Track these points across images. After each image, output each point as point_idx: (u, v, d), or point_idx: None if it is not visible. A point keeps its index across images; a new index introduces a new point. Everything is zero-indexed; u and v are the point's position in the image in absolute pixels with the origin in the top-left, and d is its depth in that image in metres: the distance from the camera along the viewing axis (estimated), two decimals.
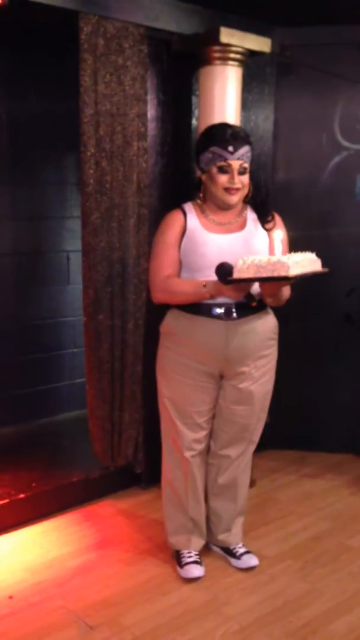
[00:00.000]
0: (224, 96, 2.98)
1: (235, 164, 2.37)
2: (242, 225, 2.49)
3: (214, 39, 2.86)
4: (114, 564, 2.74)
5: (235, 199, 2.42)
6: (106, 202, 2.94)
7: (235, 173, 2.38)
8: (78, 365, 3.96)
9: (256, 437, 2.70)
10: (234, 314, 2.43)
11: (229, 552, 2.77)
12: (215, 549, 2.82)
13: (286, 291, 2.46)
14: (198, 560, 2.69)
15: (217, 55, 2.93)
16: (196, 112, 3.13)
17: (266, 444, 3.74)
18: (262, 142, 3.47)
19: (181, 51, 3.05)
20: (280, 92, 3.51)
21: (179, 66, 3.10)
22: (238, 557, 2.73)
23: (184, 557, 2.69)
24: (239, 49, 2.94)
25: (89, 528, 3.02)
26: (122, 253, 3.02)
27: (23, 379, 3.98)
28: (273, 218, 2.52)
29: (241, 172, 2.39)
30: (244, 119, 3.30)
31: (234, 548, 2.76)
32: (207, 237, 2.44)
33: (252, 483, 3.39)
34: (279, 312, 2.60)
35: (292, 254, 2.25)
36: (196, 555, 2.70)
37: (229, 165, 2.37)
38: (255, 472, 3.44)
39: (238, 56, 2.96)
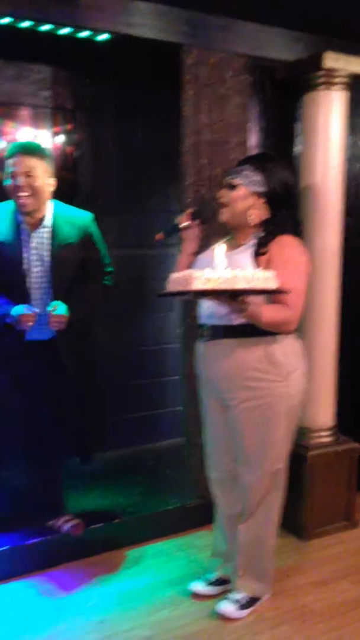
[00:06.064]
0: (327, 121, 2.92)
1: (226, 180, 2.42)
2: (239, 246, 2.41)
3: (318, 64, 2.82)
4: (205, 597, 2.67)
5: (222, 214, 2.42)
6: (206, 229, 2.94)
7: (224, 188, 2.42)
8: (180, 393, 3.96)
9: (267, 484, 2.48)
10: (207, 336, 2.42)
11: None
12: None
13: (260, 312, 2.21)
14: (209, 579, 2.69)
15: (321, 80, 2.88)
16: (299, 138, 3.09)
17: None
18: None
19: (284, 78, 3.03)
20: None
21: (282, 93, 3.08)
22: (225, 598, 2.60)
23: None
24: (344, 73, 2.87)
25: (183, 558, 2.97)
26: None
27: (126, 404, 4.03)
28: (264, 245, 2.34)
29: (229, 187, 2.39)
30: (351, 143, 3.22)
31: (231, 589, 2.63)
32: (207, 254, 2.45)
33: (355, 524, 3.23)
34: None
35: (236, 271, 2.03)
36: (213, 576, 2.70)
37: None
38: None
39: (343, 80, 2.90)
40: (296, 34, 3.01)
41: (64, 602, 2.64)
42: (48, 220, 2.70)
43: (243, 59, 2.90)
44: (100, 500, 3.31)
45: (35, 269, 2.68)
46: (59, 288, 2.69)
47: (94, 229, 2.82)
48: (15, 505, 3.10)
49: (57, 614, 2.57)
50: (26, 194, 2.59)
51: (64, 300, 2.64)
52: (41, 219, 2.68)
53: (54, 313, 2.58)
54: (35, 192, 2.61)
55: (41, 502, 2.95)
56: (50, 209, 2.71)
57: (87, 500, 3.29)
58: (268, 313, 2.25)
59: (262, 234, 2.38)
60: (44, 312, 2.61)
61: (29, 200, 2.61)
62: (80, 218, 2.79)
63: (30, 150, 2.62)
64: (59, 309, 2.60)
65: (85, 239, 2.77)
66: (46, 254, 2.67)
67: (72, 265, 2.73)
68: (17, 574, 2.79)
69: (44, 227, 2.69)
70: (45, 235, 2.69)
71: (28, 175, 2.58)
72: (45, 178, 2.64)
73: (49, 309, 2.60)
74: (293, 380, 2.41)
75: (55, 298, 2.65)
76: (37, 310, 2.60)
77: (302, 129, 3.01)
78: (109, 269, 2.91)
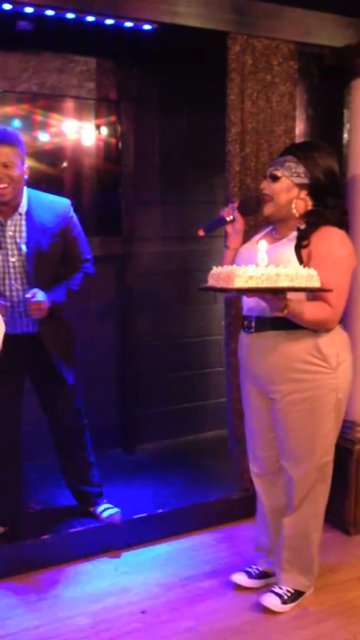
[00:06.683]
0: None
1: (269, 170, 2.38)
2: (282, 239, 2.37)
3: None
4: (248, 589, 2.66)
5: (266, 209, 2.38)
6: (251, 220, 2.91)
7: (267, 179, 2.38)
8: (223, 384, 3.95)
9: (314, 477, 2.45)
10: (253, 328, 2.38)
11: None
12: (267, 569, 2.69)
13: (302, 310, 2.19)
14: (251, 572, 2.68)
15: None
16: (348, 125, 3.02)
17: None
18: None
19: (333, 64, 2.97)
20: None
21: (331, 80, 3.02)
22: (269, 591, 2.58)
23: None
24: None
25: (226, 550, 2.97)
26: None
27: (169, 396, 4.04)
28: (305, 238, 2.29)
29: (272, 179, 2.35)
30: None
31: (275, 582, 2.61)
32: (250, 246, 2.43)
33: None
34: None
35: (279, 268, 2.00)
36: (256, 568, 2.70)
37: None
38: None
39: None
40: (346, 20, 2.95)
41: (105, 591, 2.66)
42: (23, 208, 2.61)
43: (290, 46, 2.86)
44: (143, 490, 3.32)
45: (12, 259, 2.60)
46: (39, 276, 2.60)
47: (72, 215, 2.72)
48: (53, 494, 3.15)
49: (98, 602, 2.58)
50: (5, 185, 2.51)
51: (46, 289, 2.58)
52: (15, 207, 2.60)
53: (33, 300, 2.52)
54: (13, 182, 2.52)
55: (74, 490, 3.00)
56: (25, 196, 2.63)
57: (129, 491, 3.31)
58: (310, 311, 2.22)
59: (303, 226, 2.34)
60: (24, 302, 2.56)
61: (7, 190, 2.52)
62: (58, 204, 2.70)
63: (5, 138, 2.50)
64: (38, 295, 2.53)
65: (64, 226, 2.69)
66: (23, 242, 2.60)
67: (51, 253, 2.64)
68: (56, 562, 2.80)
69: (19, 214, 2.61)
70: (21, 222, 2.61)
71: (5, 165, 2.49)
72: (21, 165, 2.55)
73: (27, 295, 2.53)
74: (342, 371, 2.36)
75: (36, 287, 2.57)
76: (7, 303, 2.53)
77: (350, 116, 2.95)
78: (87, 257, 2.81)
